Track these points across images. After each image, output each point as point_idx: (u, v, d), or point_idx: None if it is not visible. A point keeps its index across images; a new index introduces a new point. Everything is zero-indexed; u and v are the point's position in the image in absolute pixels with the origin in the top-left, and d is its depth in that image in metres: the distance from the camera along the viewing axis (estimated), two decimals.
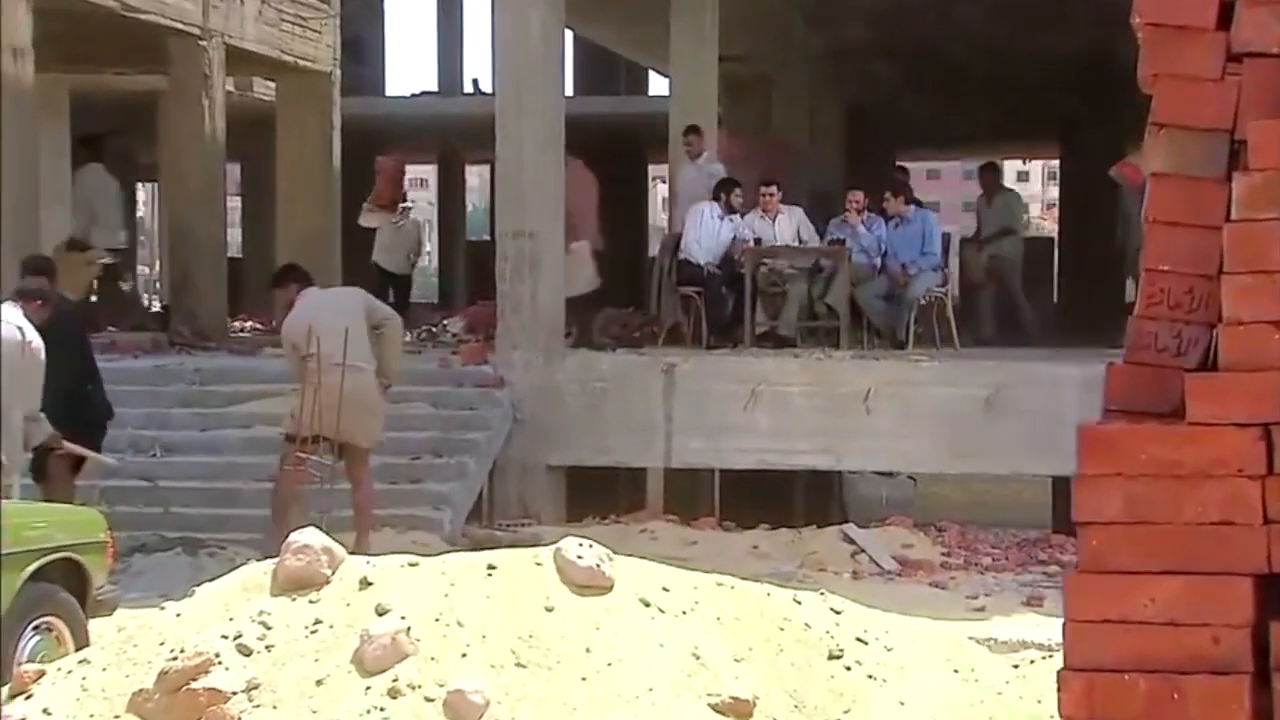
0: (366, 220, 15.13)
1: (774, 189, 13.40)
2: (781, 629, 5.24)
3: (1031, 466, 11.71)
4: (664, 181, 26.57)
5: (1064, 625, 3.11)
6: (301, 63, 16.54)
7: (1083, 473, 3.10)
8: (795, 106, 17.83)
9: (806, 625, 5.29)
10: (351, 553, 5.41)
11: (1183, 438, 3.07)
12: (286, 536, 5.35)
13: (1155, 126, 3.21)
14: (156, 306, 21.26)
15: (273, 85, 17.64)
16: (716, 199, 13.05)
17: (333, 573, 5.17)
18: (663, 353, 12.21)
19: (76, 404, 8.58)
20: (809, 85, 18.27)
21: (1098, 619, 3.07)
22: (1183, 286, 3.18)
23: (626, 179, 24.88)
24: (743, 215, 13.23)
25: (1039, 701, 5.16)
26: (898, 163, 22.20)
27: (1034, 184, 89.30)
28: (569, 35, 18.39)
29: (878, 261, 13.28)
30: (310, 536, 5.29)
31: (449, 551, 6.74)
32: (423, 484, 10.90)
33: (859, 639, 5.29)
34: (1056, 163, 29.64)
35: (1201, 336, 3.18)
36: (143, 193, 33.66)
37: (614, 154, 23.82)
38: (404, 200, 15.73)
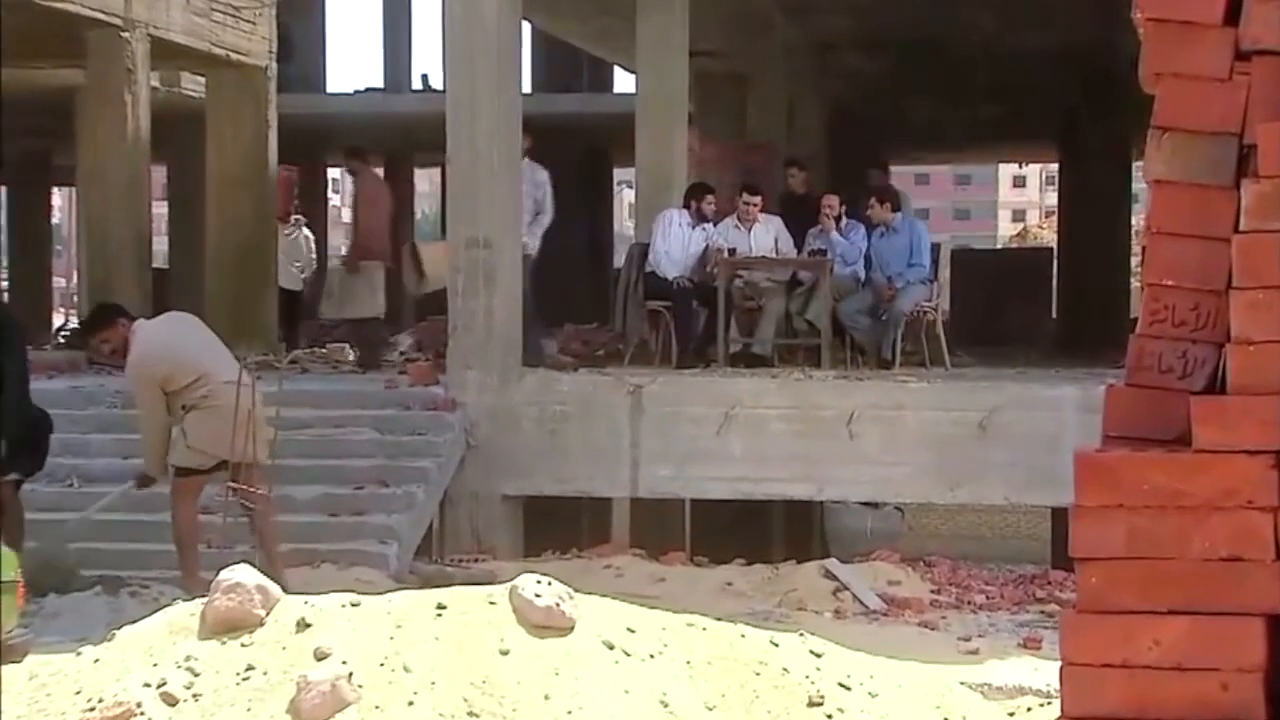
0: None
1: (759, 199, 13.46)
2: (757, 673, 5.25)
3: (1029, 496, 11.76)
4: (630, 186, 26.61)
5: (1061, 669, 3.12)
6: (234, 56, 16.51)
7: (1080, 504, 3.10)
8: (772, 106, 17.90)
9: (784, 669, 5.29)
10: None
11: (1189, 466, 3.08)
12: (197, 573, 5.34)
13: (1158, 130, 3.23)
14: (73, 323, 21.17)
15: (202, 80, 17.60)
16: (687, 206, 13.09)
17: (267, 613, 5.16)
18: (629, 372, 12.22)
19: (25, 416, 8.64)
20: (787, 82, 18.35)
21: (1097, 662, 3.08)
22: (1188, 303, 3.19)
23: (589, 183, 24.94)
24: (715, 223, 13.28)
25: None
26: (884, 166, 22.28)
27: (1031, 190, 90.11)
28: (527, 28, 18.41)
29: (861, 274, 13.35)
30: (242, 574, 5.27)
31: (395, 589, 6.72)
32: (367, 516, 10.87)
33: (841, 684, 5.30)
34: (1055, 167, 29.80)
35: (1208, 357, 3.19)
36: (59, 198, 33.52)
37: (576, 156, 23.94)
38: (295, 212, 16.48)
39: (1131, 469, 3.09)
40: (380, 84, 29.12)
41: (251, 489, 9.09)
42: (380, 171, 13.91)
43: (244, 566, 5.43)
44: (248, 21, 16.66)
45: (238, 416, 8.88)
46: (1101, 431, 3.24)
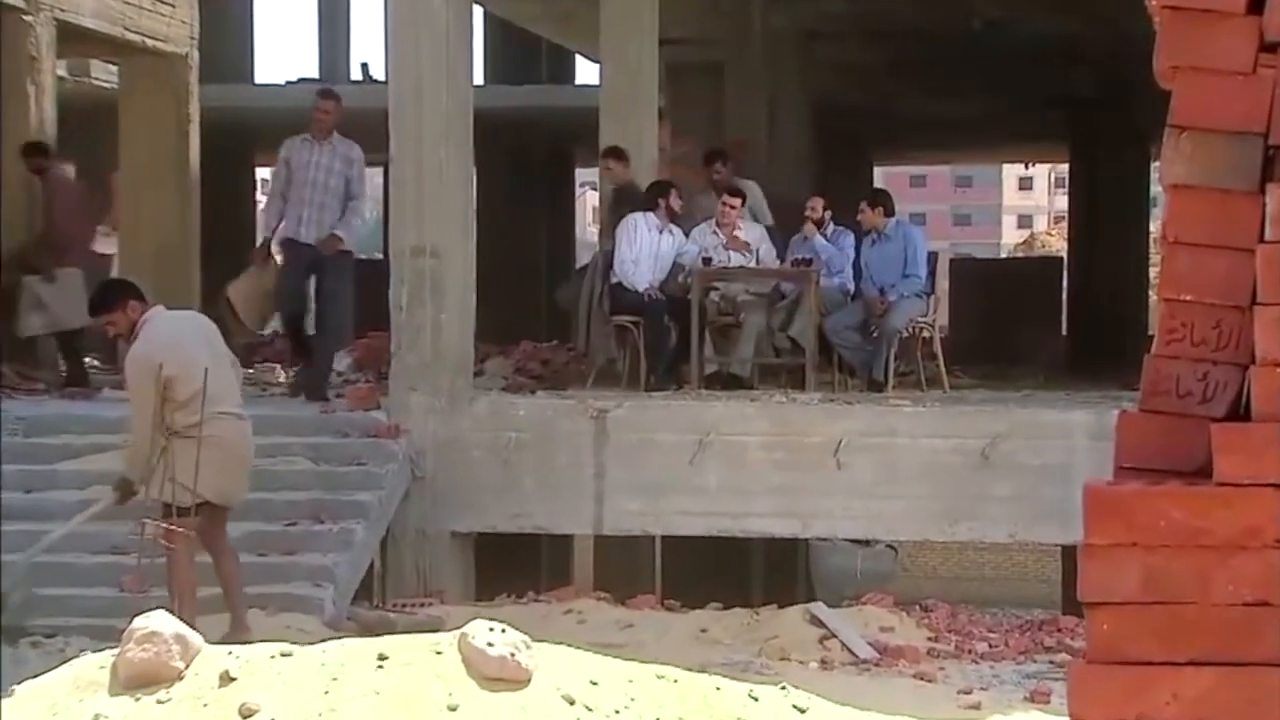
0: None
1: (738, 201, 13.49)
2: None
3: (1036, 534, 11.81)
4: (594, 188, 26.61)
5: None
6: (151, 43, 16.47)
7: (1090, 542, 3.10)
8: (752, 99, 17.96)
9: None
10: (227, 640, 5.38)
11: (1210, 501, 3.09)
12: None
13: (1175, 129, 3.24)
14: None
15: (116, 69, 17.55)
16: (652, 206, 13.10)
17: (186, 665, 5.14)
18: (592, 395, 12.23)
19: None
20: (769, 73, 18.40)
21: (1109, 718, 3.08)
22: (1208, 320, 3.20)
23: (549, 184, 24.98)
24: (686, 230, 13.30)
25: None
26: (875, 167, 22.40)
27: (1038, 193, 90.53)
28: (479, 12, 18.44)
29: (850, 286, 13.38)
30: (159, 621, 5.25)
31: (331, 638, 6.70)
32: (299, 555, 10.84)
33: None
34: (1066, 167, 29.96)
35: (1231, 379, 3.20)
36: None
37: (534, 155, 23.99)
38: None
39: (1146, 504, 3.10)
40: (315, 74, 29.06)
41: (178, 529, 9.04)
42: (68, 170, 13.87)
43: (161, 613, 5.41)
44: (166, 4, 16.62)
45: (235, 456, 8.93)
46: (1114, 462, 3.25)
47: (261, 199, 19.94)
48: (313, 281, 12.88)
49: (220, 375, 9.11)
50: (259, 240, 14.45)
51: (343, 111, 12.59)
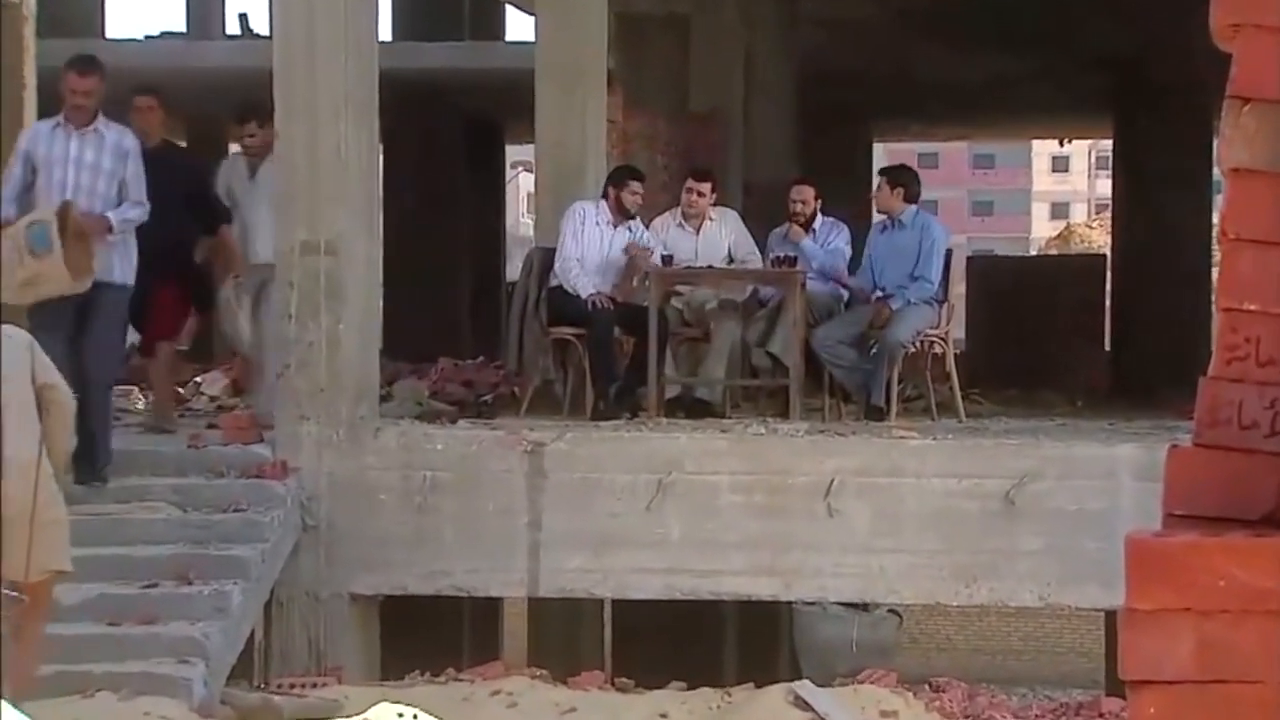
0: None
1: (707, 185, 13.49)
2: None
3: (1072, 596, 11.82)
4: (529, 170, 26.56)
5: None
6: None
7: (1133, 607, 3.12)
8: (724, 60, 17.99)
9: None
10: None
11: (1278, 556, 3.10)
12: None
13: (1236, 101, 3.26)
14: None
15: None
16: (606, 196, 13.12)
17: None
18: (526, 425, 12.22)
19: None
20: (744, 30, 18.46)
21: None
22: (1278, 334, 3.23)
23: (473, 166, 24.97)
24: (646, 222, 13.32)
25: None
26: (875, 144, 22.47)
27: (1076, 175, 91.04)
28: None
29: (844, 291, 13.39)
30: None
31: None
32: (161, 625, 10.80)
33: None
34: (1108, 144, 30.11)
35: None
36: None
37: (454, 129, 23.97)
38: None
39: (1202, 559, 3.11)
40: (182, 27, 29.00)
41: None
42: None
43: None
44: None
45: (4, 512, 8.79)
46: (1163, 508, 3.26)
47: None
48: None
49: (11, 409, 8.92)
50: None
51: (105, 89, 11.48)
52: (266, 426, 12.32)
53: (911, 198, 13.30)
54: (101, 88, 11.59)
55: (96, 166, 11.50)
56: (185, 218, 12.68)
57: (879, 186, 13.42)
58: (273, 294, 12.38)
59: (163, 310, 12.80)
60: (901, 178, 13.50)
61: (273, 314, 12.41)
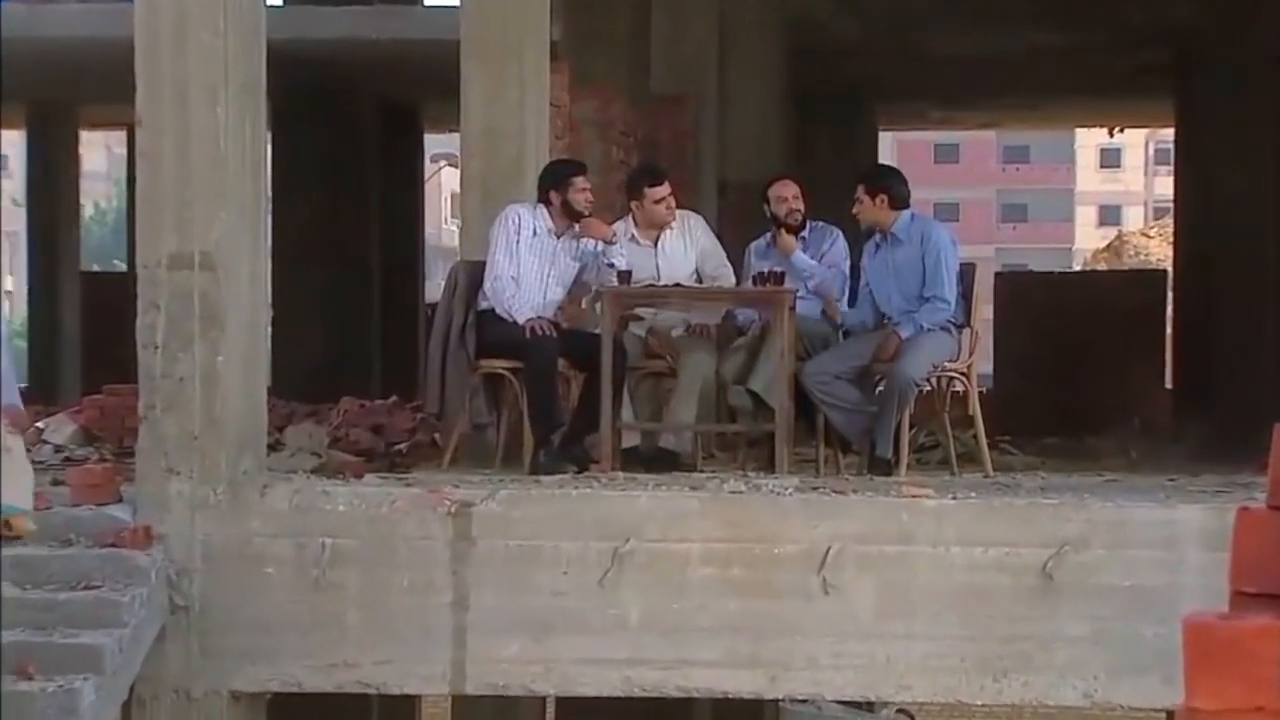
0: None
1: (664, 186, 13.51)
2: None
3: (1125, 692, 11.82)
4: (453, 165, 26.55)
5: None
6: None
7: (1194, 705, 3.12)
8: (694, 30, 18.06)
9: None
10: None
11: None
12: None
13: None
14: None
15: None
16: (546, 198, 13.11)
17: None
18: (450, 480, 12.22)
19: None
20: None
21: None
22: None
23: (384, 157, 25.02)
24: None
25: None
26: (881, 132, 22.55)
27: (1129, 173, 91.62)
28: None
29: (839, 315, 13.42)
30: None
31: None
32: None
33: None
34: (1170, 134, 30.29)
35: None
36: None
37: (360, 112, 23.98)
38: None
39: (1275, 647, 3.11)
40: None
41: None
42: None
43: None
44: None
45: None
46: (1230, 584, 3.25)
47: None
48: None
49: None
50: None
51: None
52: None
53: (899, 203, 13.23)
54: None
55: None
56: None
57: (858, 199, 13.20)
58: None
59: None
60: (881, 181, 13.43)
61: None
